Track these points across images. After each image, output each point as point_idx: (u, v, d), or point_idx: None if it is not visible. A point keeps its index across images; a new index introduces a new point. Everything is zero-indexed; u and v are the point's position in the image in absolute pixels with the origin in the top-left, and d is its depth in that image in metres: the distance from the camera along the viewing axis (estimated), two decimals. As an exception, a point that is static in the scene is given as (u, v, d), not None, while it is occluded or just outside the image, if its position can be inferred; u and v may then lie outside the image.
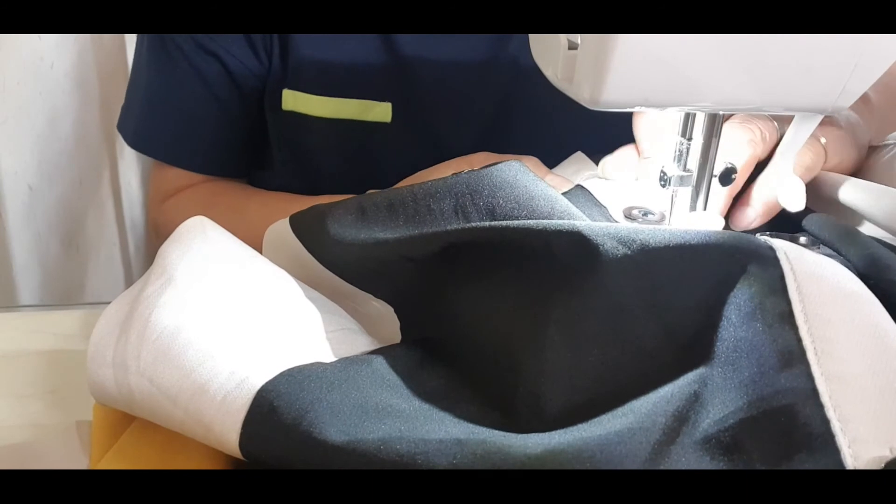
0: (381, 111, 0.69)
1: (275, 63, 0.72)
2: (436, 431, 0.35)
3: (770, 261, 0.36)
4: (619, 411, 0.34)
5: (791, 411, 0.31)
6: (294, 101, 0.72)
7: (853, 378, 0.32)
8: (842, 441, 0.30)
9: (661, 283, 0.37)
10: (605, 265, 0.37)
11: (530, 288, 0.40)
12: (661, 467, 0.32)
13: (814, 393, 0.31)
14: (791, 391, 0.32)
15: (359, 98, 0.70)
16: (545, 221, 0.41)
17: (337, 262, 0.48)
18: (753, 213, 0.49)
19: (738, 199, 0.50)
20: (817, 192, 0.51)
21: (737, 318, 0.35)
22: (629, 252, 0.37)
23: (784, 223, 0.48)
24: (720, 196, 0.48)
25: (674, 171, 0.46)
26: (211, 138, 0.77)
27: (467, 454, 0.33)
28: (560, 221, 0.41)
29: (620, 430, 0.33)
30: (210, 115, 0.75)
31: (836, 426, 0.30)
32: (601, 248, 0.37)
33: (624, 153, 0.53)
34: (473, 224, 0.43)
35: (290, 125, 0.74)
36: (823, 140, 0.51)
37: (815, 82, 0.39)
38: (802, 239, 0.44)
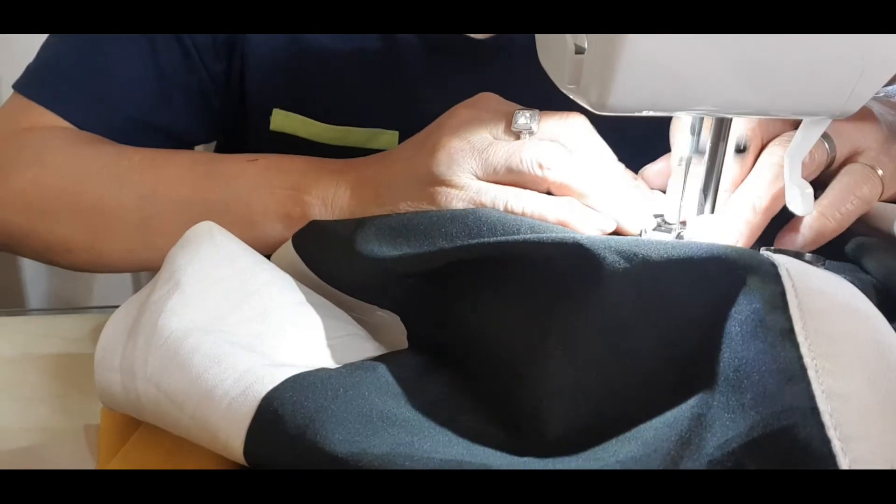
0: (387, 139, 0.68)
1: (255, 76, 0.67)
2: (439, 449, 0.35)
3: (771, 277, 0.36)
4: (624, 437, 0.34)
5: (792, 431, 0.31)
6: (288, 122, 0.69)
7: (854, 395, 0.31)
8: (842, 461, 0.29)
9: (663, 299, 0.37)
10: (607, 279, 0.37)
11: (532, 301, 0.40)
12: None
13: (814, 412, 0.31)
14: (792, 411, 0.31)
15: (365, 126, 0.68)
16: (546, 235, 0.41)
17: (339, 278, 0.48)
18: (802, 241, 0.48)
19: (787, 224, 0.49)
20: (868, 223, 0.50)
21: (739, 337, 0.34)
22: (630, 266, 0.37)
23: (832, 249, 0.48)
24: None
25: (688, 145, 0.45)
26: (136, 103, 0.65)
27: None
28: (560, 234, 0.41)
29: (624, 461, 0.33)
30: (142, 79, 0.65)
31: (836, 445, 0.30)
32: (603, 261, 0.37)
33: (665, 162, 0.52)
34: (473, 241, 0.42)
35: (277, 147, 0.67)
36: (881, 172, 0.50)
37: (824, 86, 0.39)
38: (807, 256, 0.43)
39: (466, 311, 0.44)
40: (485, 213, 0.45)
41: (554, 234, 0.41)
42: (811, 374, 0.32)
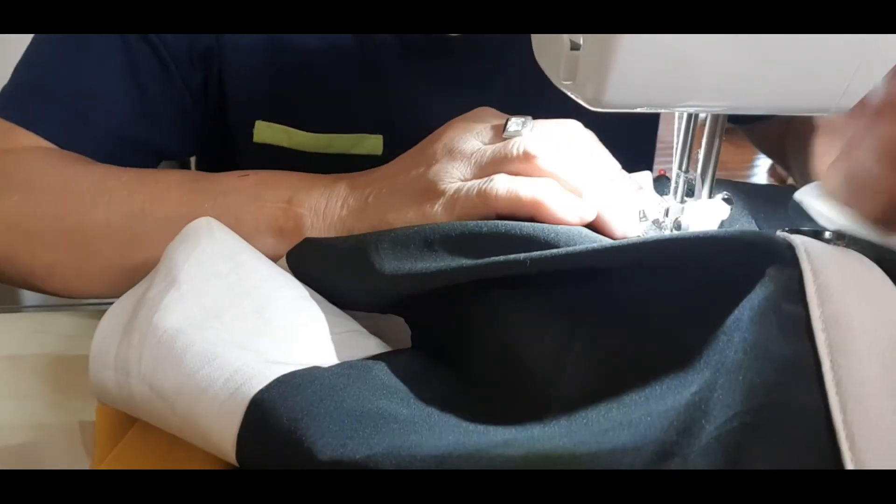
0: (371, 144, 0.68)
1: (235, 89, 0.67)
2: (426, 444, 0.34)
3: (788, 260, 0.33)
4: (621, 420, 0.33)
5: (798, 432, 0.29)
6: (272, 133, 0.68)
7: (870, 399, 0.29)
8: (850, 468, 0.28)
9: (673, 286, 0.36)
10: (618, 275, 0.37)
11: (555, 307, 0.40)
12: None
13: (826, 415, 0.28)
14: (800, 409, 0.29)
15: (349, 132, 0.67)
16: (563, 250, 0.40)
17: (340, 294, 0.47)
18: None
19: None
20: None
21: (750, 323, 0.32)
22: (638, 259, 0.37)
23: None
24: None
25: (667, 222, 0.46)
26: (115, 122, 0.64)
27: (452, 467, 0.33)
28: (569, 248, 0.41)
29: (612, 450, 0.31)
30: (123, 95, 0.64)
31: (846, 457, 0.28)
32: (622, 263, 0.37)
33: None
34: (470, 262, 0.42)
35: (262, 157, 0.68)
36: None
37: (818, 83, 0.39)
38: (827, 234, 0.40)
39: (478, 313, 0.43)
40: (508, 226, 0.44)
41: (563, 249, 0.41)
42: (825, 369, 0.29)
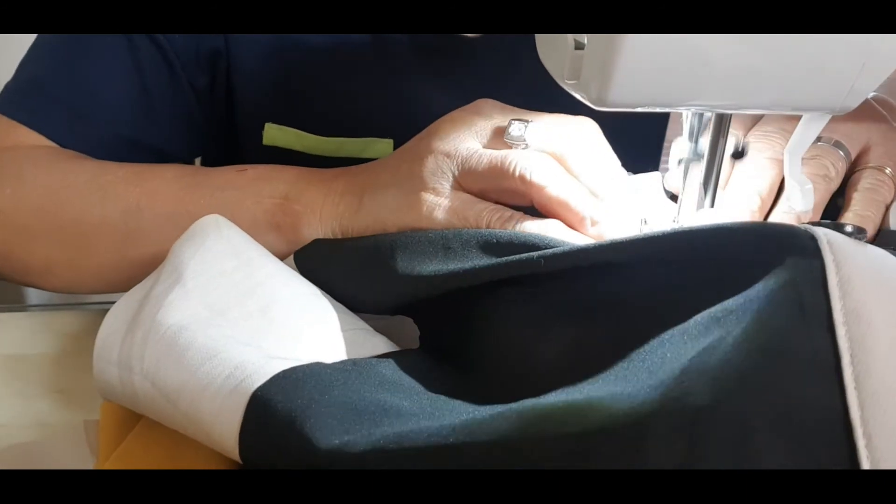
0: (382, 148, 0.67)
1: (244, 91, 0.67)
2: (424, 431, 0.34)
3: (810, 251, 0.32)
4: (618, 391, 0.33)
5: (814, 425, 0.28)
6: (282, 136, 0.67)
7: (889, 397, 0.28)
8: (865, 466, 0.27)
9: (690, 277, 0.36)
10: (631, 271, 0.37)
11: (550, 299, 0.40)
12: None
13: (843, 410, 0.28)
14: (817, 402, 0.28)
15: (359, 136, 0.67)
16: (568, 246, 0.40)
17: (351, 297, 0.47)
18: None
19: None
20: None
21: (766, 302, 0.31)
22: (654, 252, 0.37)
23: None
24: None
25: (686, 150, 0.45)
26: (120, 122, 0.63)
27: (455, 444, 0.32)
28: (582, 245, 0.41)
29: (604, 396, 0.31)
30: (129, 98, 0.63)
31: (862, 455, 0.27)
32: (641, 257, 0.37)
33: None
34: (484, 263, 0.42)
35: (270, 161, 0.65)
36: (889, 170, 0.50)
37: (824, 82, 0.38)
38: (848, 227, 0.40)
39: (486, 312, 0.43)
40: (523, 237, 0.43)
41: (584, 245, 0.40)
42: (845, 363, 0.29)
